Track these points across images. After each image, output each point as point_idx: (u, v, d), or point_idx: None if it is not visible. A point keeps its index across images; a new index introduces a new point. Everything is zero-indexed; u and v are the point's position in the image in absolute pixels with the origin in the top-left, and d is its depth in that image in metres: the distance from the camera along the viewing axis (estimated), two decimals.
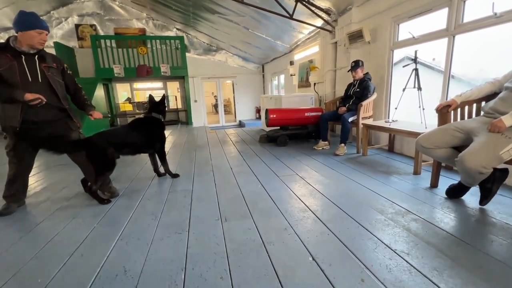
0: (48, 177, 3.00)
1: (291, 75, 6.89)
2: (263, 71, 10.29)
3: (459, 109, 2.10)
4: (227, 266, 1.30)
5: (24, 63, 1.84)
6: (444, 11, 2.72)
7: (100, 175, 2.09)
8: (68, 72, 2.11)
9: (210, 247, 1.47)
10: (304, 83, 6.25)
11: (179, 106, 9.68)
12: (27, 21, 1.80)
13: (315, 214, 1.82)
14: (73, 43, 8.01)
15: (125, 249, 1.49)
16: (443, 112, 2.06)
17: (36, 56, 1.90)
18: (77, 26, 7.99)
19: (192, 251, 1.45)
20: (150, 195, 2.32)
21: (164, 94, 2.69)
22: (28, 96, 1.78)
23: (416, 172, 2.54)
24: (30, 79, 1.86)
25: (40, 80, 1.90)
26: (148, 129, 2.52)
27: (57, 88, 1.98)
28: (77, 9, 7.99)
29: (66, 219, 1.91)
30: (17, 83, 1.81)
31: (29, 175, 2.14)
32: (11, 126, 1.86)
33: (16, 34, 1.83)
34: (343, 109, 3.66)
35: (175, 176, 2.76)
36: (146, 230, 1.69)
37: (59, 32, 7.97)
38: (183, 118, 9.30)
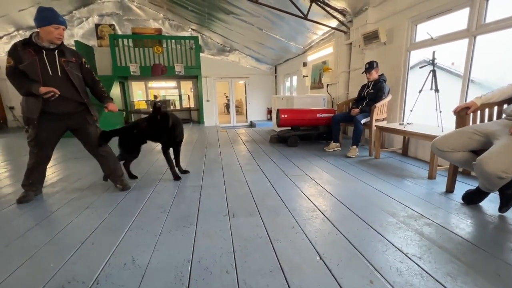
0: (64, 169, 3.10)
1: (303, 76, 6.84)
2: (275, 72, 10.29)
3: (478, 112, 2.01)
4: (233, 261, 1.30)
5: (45, 57, 1.93)
6: (465, 11, 2.63)
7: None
8: (86, 66, 2.18)
9: (217, 242, 1.47)
10: (317, 84, 6.19)
11: (192, 105, 9.81)
12: (44, 17, 1.88)
13: (323, 214, 1.79)
14: (92, 42, 8.29)
15: (134, 240, 1.52)
16: (462, 114, 1.98)
17: (56, 51, 1.98)
18: (97, 25, 8.27)
19: (199, 244, 1.45)
20: (160, 189, 2.35)
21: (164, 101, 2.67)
22: (42, 89, 1.86)
23: (431, 177, 2.45)
24: (50, 73, 1.94)
25: (59, 74, 1.98)
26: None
27: (76, 81, 2.06)
28: (98, 9, 8.27)
29: (79, 208, 1.97)
30: (38, 77, 1.90)
31: (47, 166, 2.23)
32: (31, 118, 1.95)
33: (37, 30, 1.92)
34: (355, 110, 3.59)
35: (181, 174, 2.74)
36: (155, 223, 1.72)
37: (80, 31, 8.27)
38: (195, 117, 9.42)
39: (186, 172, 2.79)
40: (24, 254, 1.40)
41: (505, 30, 2.32)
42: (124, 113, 8.18)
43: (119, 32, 8.57)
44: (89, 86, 2.23)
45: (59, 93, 1.91)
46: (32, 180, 2.13)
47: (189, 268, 1.25)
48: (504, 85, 1.93)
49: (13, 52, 1.87)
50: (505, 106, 1.91)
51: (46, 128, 2.02)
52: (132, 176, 2.64)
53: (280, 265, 1.26)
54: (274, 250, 1.38)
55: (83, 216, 1.85)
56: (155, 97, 9.50)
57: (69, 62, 2.04)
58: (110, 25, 8.46)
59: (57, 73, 1.97)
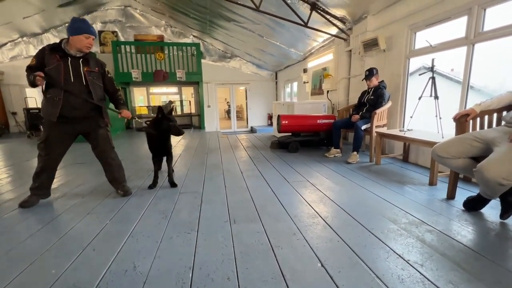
0: (66, 174, 3.11)
1: (304, 82, 6.90)
2: (276, 79, 10.37)
3: (478, 119, 2.03)
4: (234, 268, 1.30)
5: (69, 64, 2.01)
6: (463, 19, 2.67)
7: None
8: (109, 75, 2.29)
9: (218, 248, 1.47)
10: (317, 90, 6.24)
11: (193, 110, 9.87)
12: (77, 27, 1.98)
13: (325, 221, 1.79)
14: (95, 49, 8.39)
15: (135, 246, 1.52)
16: (461, 121, 2.00)
17: (81, 59, 2.06)
18: (100, 32, 8.38)
19: (200, 251, 1.45)
20: (162, 195, 2.36)
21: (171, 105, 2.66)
22: (38, 78, 1.86)
23: (432, 183, 2.46)
24: (72, 79, 2.02)
25: (80, 82, 2.06)
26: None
27: (95, 90, 2.14)
28: (101, 17, 8.40)
29: (80, 214, 1.97)
30: (59, 81, 1.98)
31: (55, 171, 2.24)
32: (49, 120, 2.02)
33: (67, 38, 2.02)
34: (356, 116, 3.61)
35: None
36: (156, 229, 1.72)
37: None
38: (196, 122, 9.46)
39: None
40: (25, 260, 1.40)
41: (504, 38, 2.36)
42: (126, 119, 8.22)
43: (122, 39, 8.69)
44: (109, 93, 2.33)
45: (42, 75, 1.89)
46: (38, 183, 2.15)
47: (191, 275, 1.25)
48: (503, 92, 1.95)
49: (39, 54, 1.98)
50: (504, 113, 1.93)
51: (58, 131, 2.07)
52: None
53: (282, 272, 1.25)
54: (276, 257, 1.38)
55: (85, 222, 1.85)
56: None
57: (92, 72, 2.12)
58: (113, 32, 8.58)
59: (78, 80, 2.05)
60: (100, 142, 2.24)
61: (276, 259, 1.36)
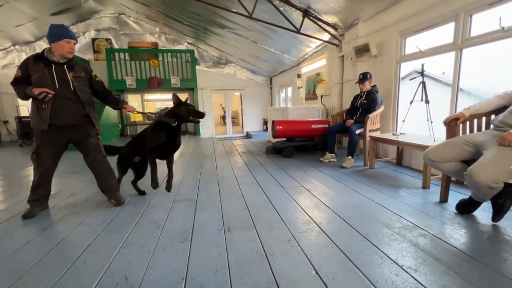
0: (57, 184, 3.06)
1: (298, 87, 6.95)
2: (270, 84, 10.43)
3: (467, 122, 2.06)
4: (228, 277, 1.28)
5: (54, 71, 1.99)
6: (451, 25, 2.73)
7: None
8: (97, 79, 2.25)
9: (212, 257, 1.45)
10: (311, 95, 6.29)
11: None
12: (55, 33, 1.97)
13: (319, 227, 1.78)
14: (89, 56, 8.37)
15: (127, 257, 1.49)
16: (452, 125, 2.03)
17: (66, 65, 2.04)
18: (93, 40, 8.37)
19: (193, 260, 1.43)
20: (155, 203, 2.33)
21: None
22: (35, 90, 1.88)
23: (425, 186, 2.48)
24: (57, 86, 2.00)
25: (67, 88, 2.04)
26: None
27: (83, 96, 2.11)
28: (95, 24, 8.40)
29: (72, 225, 1.94)
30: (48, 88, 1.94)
31: (51, 181, 2.21)
32: (39, 130, 1.99)
33: (49, 46, 2.00)
34: (350, 121, 3.65)
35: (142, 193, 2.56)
36: (149, 239, 1.69)
37: (76, 45, 8.32)
38: (191, 128, 9.43)
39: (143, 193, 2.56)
40: (13, 274, 1.36)
41: (491, 43, 2.41)
42: (120, 125, 8.17)
43: (116, 46, 8.68)
44: (102, 97, 2.31)
45: (53, 93, 1.93)
46: (38, 196, 2.13)
47: (183, 286, 1.23)
48: (491, 96, 1.99)
49: (23, 65, 1.97)
50: (492, 116, 1.97)
51: (49, 141, 2.04)
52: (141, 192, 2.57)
53: (276, 281, 1.24)
54: (270, 265, 1.37)
55: (76, 233, 1.81)
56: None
57: (78, 77, 2.10)
58: (107, 40, 8.57)
59: (65, 86, 2.03)
60: (91, 151, 2.22)
61: (271, 268, 1.34)
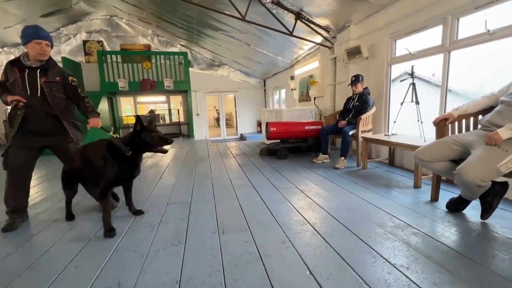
0: (47, 189, 3.00)
1: (292, 89, 7.00)
2: (264, 86, 10.47)
3: (456, 123, 2.11)
4: (222, 280, 1.28)
5: (26, 77, 1.92)
6: (439, 28, 2.80)
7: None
8: (73, 84, 2.09)
9: (206, 260, 1.45)
10: (305, 97, 6.34)
11: (182, 119, 9.79)
12: (25, 34, 1.89)
13: (313, 227, 1.79)
14: (80, 58, 8.25)
15: (120, 261, 1.47)
16: (441, 125, 2.08)
17: (39, 70, 1.96)
18: (84, 42, 8.26)
19: (188, 263, 1.43)
20: (149, 206, 2.31)
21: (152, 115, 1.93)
22: (9, 98, 1.86)
23: (417, 186, 2.52)
24: (28, 92, 1.92)
25: (38, 94, 1.95)
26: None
27: (55, 102, 2.00)
28: (86, 26, 8.29)
29: (63, 230, 1.90)
30: (20, 95, 1.89)
31: (27, 190, 2.08)
32: (10, 135, 1.93)
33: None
34: (343, 122, 3.69)
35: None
36: (143, 242, 1.67)
37: (67, 47, 8.24)
38: (185, 131, 9.38)
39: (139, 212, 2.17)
40: (2, 282, 1.33)
41: (478, 46, 2.48)
42: (112, 128, 8.06)
43: (108, 48, 8.58)
44: (74, 103, 2.17)
45: (24, 101, 1.87)
46: (12, 207, 2.00)
47: None
48: (478, 97, 2.05)
49: (4, 69, 1.95)
50: (480, 117, 2.02)
51: (20, 144, 1.95)
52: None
53: (270, 282, 1.24)
54: (264, 266, 1.37)
55: (67, 238, 1.78)
56: (152, 111, 9.25)
57: (51, 83, 1.99)
58: (98, 42, 8.47)
59: (35, 93, 1.94)
60: (69, 158, 2.07)
61: (265, 269, 1.35)
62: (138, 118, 1.82)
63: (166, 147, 1.91)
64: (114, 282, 1.29)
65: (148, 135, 1.80)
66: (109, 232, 1.77)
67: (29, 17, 6.44)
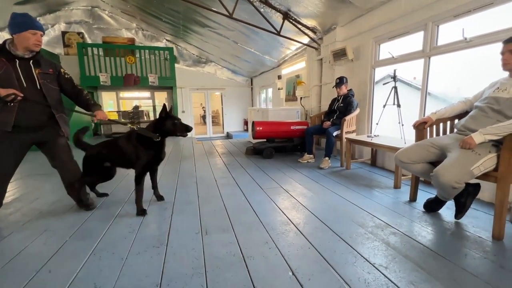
0: (21, 187, 2.85)
1: (278, 88, 7.03)
2: (251, 84, 10.45)
3: (434, 126, 2.20)
4: (204, 282, 1.26)
5: (18, 67, 1.79)
6: (420, 34, 2.90)
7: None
8: (66, 76, 2.03)
9: (188, 262, 1.42)
10: (291, 97, 6.38)
11: None
12: (19, 22, 1.76)
13: (297, 228, 1.81)
14: (58, 50, 7.88)
15: (97, 264, 1.42)
16: (420, 128, 2.15)
17: (31, 61, 1.85)
18: (63, 33, 7.90)
19: (169, 266, 1.39)
20: (130, 207, 2.24)
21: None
22: (1, 91, 1.70)
23: (397, 186, 2.60)
24: (24, 84, 1.80)
25: (34, 86, 1.84)
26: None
27: (50, 94, 1.92)
28: (65, 17, 7.92)
29: (36, 232, 1.80)
30: (14, 87, 1.75)
31: (5, 191, 1.97)
32: (3, 131, 1.78)
33: (11, 37, 1.79)
34: (327, 123, 3.74)
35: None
36: (122, 244, 1.62)
37: (44, 38, 7.80)
38: None
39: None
40: None
41: (456, 52, 2.59)
42: (93, 124, 7.76)
43: (89, 41, 8.24)
44: (72, 96, 2.08)
45: (21, 95, 1.75)
46: None
47: None
48: (455, 102, 2.14)
49: None
50: (456, 121, 2.11)
51: (9, 142, 1.83)
52: (100, 195, 2.47)
53: (253, 283, 1.24)
54: (247, 268, 1.36)
55: (40, 241, 1.69)
56: (136, 106, 9.05)
57: (45, 74, 1.90)
58: (79, 33, 8.12)
59: (31, 85, 1.83)
60: (60, 152, 2.03)
61: (248, 270, 1.34)
62: (164, 106, 2.04)
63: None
64: (90, 287, 1.24)
65: (171, 122, 2.05)
66: (141, 211, 2.05)
67: (2, 5, 6.05)
